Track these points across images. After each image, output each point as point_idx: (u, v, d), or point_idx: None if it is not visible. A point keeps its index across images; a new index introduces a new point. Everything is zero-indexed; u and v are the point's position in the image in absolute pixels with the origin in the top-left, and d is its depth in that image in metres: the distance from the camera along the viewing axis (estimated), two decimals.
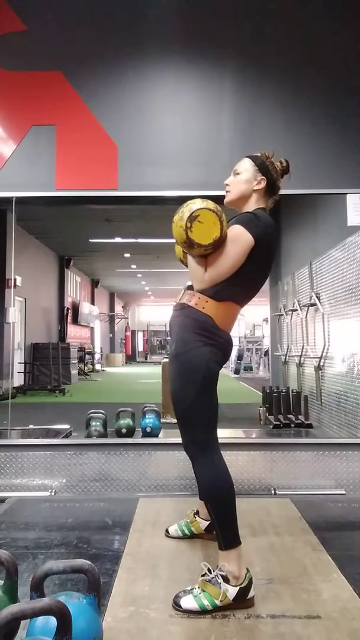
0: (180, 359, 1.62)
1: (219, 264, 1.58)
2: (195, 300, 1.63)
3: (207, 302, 1.61)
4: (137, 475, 2.78)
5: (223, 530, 1.56)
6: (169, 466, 2.77)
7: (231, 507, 1.57)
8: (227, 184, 1.77)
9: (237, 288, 1.63)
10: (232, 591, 1.50)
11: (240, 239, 1.57)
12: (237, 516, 1.58)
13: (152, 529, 2.14)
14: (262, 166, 1.72)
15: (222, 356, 1.65)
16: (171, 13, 3.00)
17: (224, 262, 1.58)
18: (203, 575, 1.54)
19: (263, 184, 1.72)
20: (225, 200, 1.78)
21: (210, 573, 1.53)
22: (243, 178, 1.73)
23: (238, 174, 1.75)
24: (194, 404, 1.59)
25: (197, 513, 2.06)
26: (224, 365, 1.73)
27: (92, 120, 2.96)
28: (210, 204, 1.55)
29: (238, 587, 1.50)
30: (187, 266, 1.72)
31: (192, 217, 1.52)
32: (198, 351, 1.59)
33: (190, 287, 1.70)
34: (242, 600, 1.51)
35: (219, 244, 1.56)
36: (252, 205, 1.73)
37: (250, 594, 1.53)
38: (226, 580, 1.51)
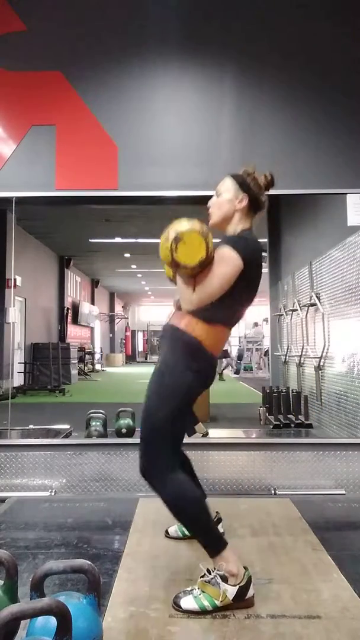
0: (163, 380, 1.61)
1: (207, 285, 1.57)
2: (185, 322, 1.61)
3: (197, 324, 1.60)
4: (137, 475, 2.74)
5: (204, 540, 1.57)
6: None
7: (201, 519, 1.57)
8: (209, 207, 1.76)
9: (226, 311, 1.63)
10: (231, 591, 1.50)
11: (229, 261, 1.57)
12: (211, 522, 1.58)
13: (152, 529, 2.14)
14: (243, 184, 1.71)
15: (203, 383, 1.65)
16: (171, 13, 3.00)
17: (212, 283, 1.57)
18: (202, 576, 1.54)
19: (245, 202, 1.70)
20: (210, 222, 1.76)
21: (210, 574, 1.53)
22: (225, 198, 1.72)
23: (220, 194, 1.74)
24: (164, 426, 1.58)
25: None
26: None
27: (92, 120, 2.96)
28: (196, 225, 1.53)
29: (237, 587, 1.50)
30: (176, 285, 1.71)
31: (177, 239, 1.51)
32: (182, 377, 1.58)
33: (178, 308, 1.69)
34: (242, 600, 1.51)
35: (206, 264, 1.55)
36: (236, 224, 1.71)
37: (250, 593, 1.53)
38: (225, 580, 1.51)
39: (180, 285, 1.63)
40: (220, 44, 2.99)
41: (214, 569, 1.53)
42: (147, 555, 1.90)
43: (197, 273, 1.57)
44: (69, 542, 2.05)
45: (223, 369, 11.12)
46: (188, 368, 1.59)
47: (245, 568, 1.54)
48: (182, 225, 1.54)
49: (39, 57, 2.98)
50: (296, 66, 2.97)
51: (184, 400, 1.60)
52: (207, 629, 1.43)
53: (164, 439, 1.60)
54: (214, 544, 1.55)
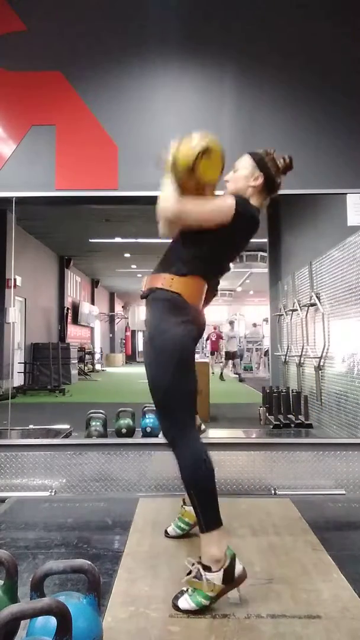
0: (155, 342, 1.62)
1: (196, 204, 1.61)
2: (161, 281, 1.65)
3: (172, 279, 1.63)
4: (137, 475, 2.78)
5: (204, 511, 1.55)
6: (169, 466, 2.76)
7: (212, 489, 1.57)
8: (227, 180, 1.78)
9: (201, 263, 1.66)
10: (217, 577, 1.48)
11: (225, 202, 1.62)
12: (217, 497, 1.58)
13: (152, 529, 2.14)
14: (261, 162, 1.73)
15: (196, 332, 1.67)
16: (171, 13, 3.00)
17: (201, 206, 1.61)
18: (188, 574, 1.53)
19: (260, 180, 1.72)
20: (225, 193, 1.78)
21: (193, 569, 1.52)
22: (241, 174, 1.74)
23: (236, 170, 1.76)
24: (172, 386, 1.59)
25: (184, 503, 2.05)
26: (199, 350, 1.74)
27: (92, 120, 2.95)
28: (222, 148, 1.63)
29: (222, 570, 1.49)
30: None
31: (208, 150, 1.56)
32: (172, 332, 1.60)
33: (152, 273, 1.72)
34: (232, 580, 1.50)
35: (205, 187, 1.62)
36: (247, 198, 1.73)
37: (238, 571, 1.51)
38: (207, 569, 1.49)
39: (172, 188, 1.63)
40: (220, 44, 2.99)
41: (196, 561, 1.52)
42: (147, 555, 1.90)
43: (193, 191, 1.62)
44: (69, 542, 2.05)
45: (223, 369, 11.11)
46: (174, 323, 1.60)
47: (226, 546, 1.52)
48: (213, 140, 1.60)
49: (39, 57, 2.98)
50: (296, 66, 2.97)
51: (182, 356, 1.61)
52: (207, 629, 1.43)
53: (176, 401, 1.61)
54: (213, 519, 1.55)
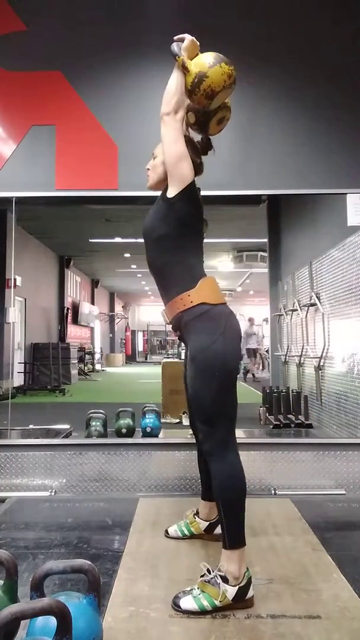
0: (197, 359, 1.61)
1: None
2: (180, 304, 1.64)
3: (189, 295, 1.63)
4: (137, 475, 2.78)
5: (231, 529, 1.56)
6: (169, 466, 2.77)
7: (242, 508, 1.58)
8: (147, 168, 1.81)
9: (193, 262, 1.69)
10: (231, 591, 1.50)
11: (188, 168, 1.67)
12: (245, 517, 1.58)
13: (152, 529, 2.14)
14: None
15: (236, 342, 1.65)
16: (171, 13, 3.00)
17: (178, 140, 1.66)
18: (202, 576, 1.54)
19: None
20: (147, 185, 1.83)
21: (210, 573, 1.53)
22: (159, 160, 1.77)
23: (155, 157, 1.79)
24: (215, 401, 1.59)
25: (196, 514, 2.06)
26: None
27: (92, 120, 2.95)
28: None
29: (237, 587, 1.50)
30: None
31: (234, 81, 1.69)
32: (213, 348, 1.58)
33: (165, 303, 1.73)
34: (242, 600, 1.51)
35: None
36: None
37: (250, 594, 1.52)
38: (225, 580, 1.50)
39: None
40: (220, 44, 2.97)
41: (216, 567, 1.53)
42: (147, 555, 1.90)
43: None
44: (69, 542, 2.05)
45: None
46: (214, 336, 1.59)
47: (246, 568, 1.54)
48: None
49: (39, 57, 2.98)
50: (296, 66, 2.96)
51: (226, 369, 1.60)
52: (207, 629, 1.43)
53: (218, 416, 1.60)
54: (238, 536, 1.55)
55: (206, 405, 1.60)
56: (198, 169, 1.78)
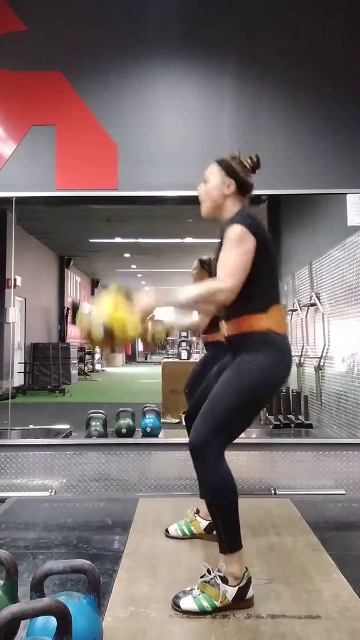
0: (242, 367, 1.59)
1: (232, 264, 1.55)
2: (250, 322, 1.60)
3: (261, 319, 1.59)
4: (137, 475, 2.78)
5: (227, 533, 1.55)
6: (169, 466, 2.77)
7: (235, 512, 1.57)
8: (199, 194, 1.76)
9: (266, 289, 1.63)
10: (231, 592, 1.50)
11: (242, 236, 1.56)
12: (239, 520, 1.57)
13: (152, 529, 2.14)
14: (229, 169, 1.71)
15: (284, 376, 1.63)
16: (171, 13, 3.00)
17: (235, 260, 1.55)
18: (202, 577, 1.54)
19: (233, 187, 1.70)
20: (202, 212, 1.77)
21: (210, 574, 1.53)
22: (212, 184, 1.72)
23: (207, 181, 1.74)
24: (234, 415, 1.56)
25: (197, 512, 2.06)
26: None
27: (92, 120, 2.95)
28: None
29: (237, 588, 1.50)
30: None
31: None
32: (265, 371, 1.57)
33: (228, 317, 1.68)
34: (241, 601, 1.51)
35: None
36: (229, 209, 1.71)
37: (249, 594, 1.52)
38: (225, 581, 1.50)
39: (198, 293, 1.59)
40: (220, 44, 2.99)
41: (217, 569, 1.53)
42: (147, 555, 1.90)
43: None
44: (69, 542, 2.05)
45: None
46: (270, 362, 1.57)
47: (245, 568, 1.54)
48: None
49: (39, 57, 2.98)
50: (296, 66, 2.97)
51: (265, 395, 1.60)
52: (207, 629, 1.43)
53: (230, 426, 1.58)
54: (234, 541, 1.54)
55: (226, 411, 1.56)
56: (251, 188, 1.76)
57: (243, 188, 1.73)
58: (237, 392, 1.56)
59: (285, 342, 1.65)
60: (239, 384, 1.57)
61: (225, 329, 1.72)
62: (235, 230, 1.57)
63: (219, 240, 1.66)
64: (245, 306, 1.59)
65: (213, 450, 1.56)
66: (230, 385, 1.59)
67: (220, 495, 1.56)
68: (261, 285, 1.60)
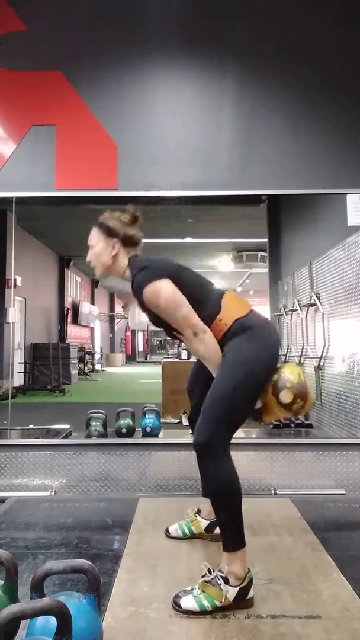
0: (229, 357, 1.61)
1: (180, 317, 1.61)
2: (216, 330, 1.63)
3: (220, 320, 1.63)
4: (137, 475, 2.78)
5: (231, 531, 1.56)
6: (169, 466, 2.77)
7: (239, 510, 1.57)
8: (89, 261, 1.81)
9: (204, 294, 1.67)
10: (232, 592, 1.50)
11: (162, 291, 1.61)
12: (242, 515, 1.58)
13: (152, 529, 2.14)
14: (108, 230, 1.76)
15: (272, 347, 1.65)
16: (171, 13, 3.00)
17: (179, 312, 1.61)
18: (203, 576, 1.54)
19: (117, 247, 1.75)
20: (97, 274, 1.83)
21: (210, 574, 1.53)
22: (98, 250, 1.77)
23: (93, 247, 1.79)
24: (232, 409, 1.58)
25: (198, 512, 2.06)
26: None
27: (92, 120, 2.95)
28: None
29: (238, 588, 1.50)
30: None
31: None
32: (256, 367, 1.59)
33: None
34: (242, 601, 1.51)
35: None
36: (122, 264, 1.76)
37: (250, 594, 1.53)
38: (226, 581, 1.50)
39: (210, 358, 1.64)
40: (220, 44, 2.99)
41: (217, 567, 1.53)
42: (147, 555, 1.90)
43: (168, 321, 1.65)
44: (69, 542, 2.05)
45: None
46: (253, 351, 1.59)
47: (247, 569, 1.54)
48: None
49: (39, 57, 2.98)
50: (296, 66, 2.97)
51: (255, 391, 1.60)
52: (207, 629, 1.43)
53: (229, 421, 1.59)
54: (237, 538, 1.55)
55: (223, 406, 1.58)
56: (139, 238, 1.81)
57: (128, 242, 1.78)
58: (232, 383, 1.58)
59: (256, 318, 1.66)
60: (232, 375, 1.58)
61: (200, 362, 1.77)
62: (151, 293, 1.62)
63: (137, 300, 1.71)
64: (205, 319, 1.63)
65: (217, 447, 1.57)
66: (224, 379, 1.60)
67: (226, 492, 1.57)
68: (199, 298, 1.64)
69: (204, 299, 1.66)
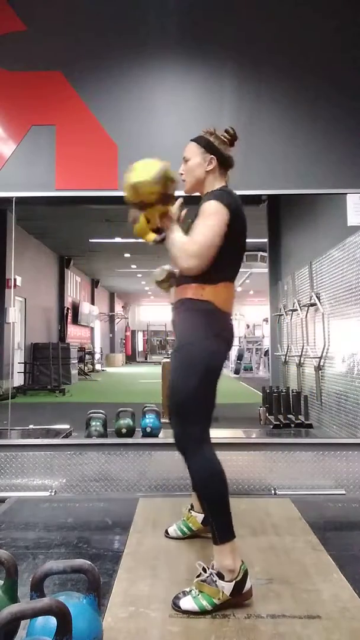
0: (183, 351, 1.62)
1: (201, 235, 1.58)
2: (192, 291, 1.63)
3: (204, 288, 1.61)
4: (137, 475, 2.78)
5: (218, 523, 1.56)
6: (169, 466, 2.77)
7: (225, 501, 1.57)
8: (181, 173, 1.77)
9: (225, 265, 1.64)
10: (228, 587, 1.49)
11: (216, 211, 1.59)
12: (230, 509, 1.58)
13: (152, 529, 2.14)
14: (208, 145, 1.72)
15: (225, 347, 1.65)
16: (171, 13, 3.00)
17: (205, 232, 1.58)
18: (198, 576, 1.54)
19: (214, 163, 1.72)
20: (185, 189, 1.79)
21: (205, 572, 1.53)
22: (193, 163, 1.74)
23: (187, 160, 1.75)
24: (193, 396, 1.59)
25: (192, 507, 2.05)
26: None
27: (92, 120, 2.95)
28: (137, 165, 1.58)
29: (234, 582, 1.50)
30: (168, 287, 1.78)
31: (130, 169, 1.56)
32: (202, 344, 1.59)
33: (179, 284, 1.70)
34: (239, 594, 1.51)
35: (168, 188, 1.56)
36: (210, 184, 1.73)
37: (247, 586, 1.52)
38: (221, 576, 1.50)
39: (177, 245, 1.61)
40: (220, 44, 2.99)
41: (210, 566, 1.53)
42: (147, 555, 1.90)
43: (165, 201, 1.58)
44: (69, 542, 2.05)
45: None
46: (206, 336, 1.59)
47: (241, 562, 1.54)
48: (143, 163, 1.58)
49: (39, 57, 2.98)
50: (296, 66, 2.97)
51: (209, 371, 1.60)
52: (207, 629, 1.43)
53: (194, 410, 1.60)
54: (226, 530, 1.55)
55: (183, 398, 1.60)
56: (232, 162, 1.76)
57: (225, 163, 1.74)
58: (187, 376, 1.58)
59: (224, 319, 1.64)
60: (186, 367, 1.59)
61: (173, 295, 1.74)
62: (210, 205, 1.60)
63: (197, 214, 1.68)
64: (197, 275, 1.61)
65: (193, 440, 1.60)
66: (179, 374, 1.61)
67: (209, 483, 1.59)
68: (220, 260, 1.61)
69: (218, 264, 1.61)
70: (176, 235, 1.63)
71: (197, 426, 1.61)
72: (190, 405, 1.60)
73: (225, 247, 1.60)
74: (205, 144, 1.72)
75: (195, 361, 1.58)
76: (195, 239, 1.58)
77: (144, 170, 1.56)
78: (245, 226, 1.69)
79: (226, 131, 1.75)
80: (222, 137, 1.74)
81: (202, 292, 1.61)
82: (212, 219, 1.58)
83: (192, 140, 1.76)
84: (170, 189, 1.58)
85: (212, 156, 1.71)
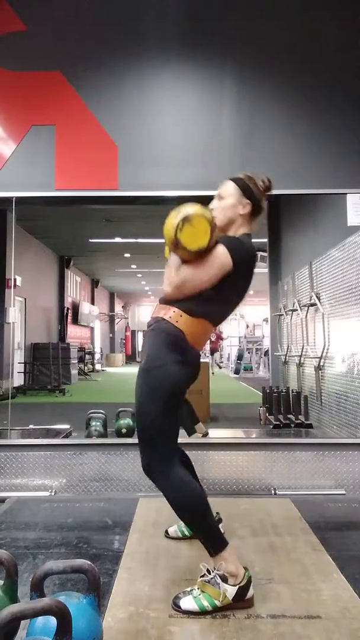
0: (150, 374, 1.61)
1: (193, 274, 1.58)
2: (170, 313, 1.62)
3: (181, 316, 1.60)
4: (137, 475, 2.77)
5: (206, 536, 1.57)
6: None
7: (206, 516, 1.56)
8: (212, 209, 1.73)
9: (212, 307, 1.64)
10: (231, 591, 1.50)
11: (220, 258, 1.58)
12: (213, 519, 1.58)
13: (152, 529, 2.14)
14: (247, 190, 1.71)
15: (190, 375, 1.65)
16: (171, 13, 3.00)
17: (198, 272, 1.58)
18: (202, 576, 1.54)
19: (249, 208, 1.71)
20: (216, 223, 1.77)
21: (209, 574, 1.53)
22: (229, 203, 1.72)
23: (222, 198, 1.73)
24: (156, 420, 1.58)
25: None
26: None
27: (92, 120, 2.95)
28: (207, 213, 1.57)
29: (237, 587, 1.50)
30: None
31: (186, 219, 1.53)
32: (168, 369, 1.58)
33: (162, 302, 1.70)
34: (242, 600, 1.51)
35: (204, 253, 1.57)
36: (237, 228, 1.72)
37: (250, 593, 1.53)
38: (225, 580, 1.51)
39: (170, 265, 1.62)
40: (220, 44, 2.99)
41: (214, 568, 1.53)
42: (147, 555, 1.90)
43: (192, 259, 1.59)
44: (69, 542, 2.05)
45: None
46: (173, 360, 1.59)
47: (245, 569, 1.54)
48: (194, 208, 1.56)
49: (39, 57, 2.98)
50: (296, 66, 2.97)
51: (173, 394, 1.59)
52: (207, 629, 1.43)
53: (159, 434, 1.60)
54: (215, 542, 1.55)
55: (149, 421, 1.59)
56: (263, 211, 1.77)
57: (257, 211, 1.74)
58: (154, 400, 1.58)
59: (191, 352, 1.62)
60: (154, 391, 1.59)
61: (153, 310, 1.74)
62: (220, 251, 1.59)
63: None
64: (181, 301, 1.61)
65: (163, 462, 1.59)
66: (145, 398, 1.61)
67: (183, 502, 1.58)
68: (207, 300, 1.61)
69: (205, 302, 1.62)
70: (175, 259, 1.63)
71: (164, 448, 1.60)
72: (158, 429, 1.59)
73: (216, 292, 1.60)
74: (244, 187, 1.71)
75: (163, 386, 1.58)
76: (183, 274, 1.59)
77: (172, 218, 1.58)
78: (249, 282, 1.70)
79: (262, 180, 1.74)
80: (259, 185, 1.73)
81: (177, 319, 1.60)
82: (212, 264, 1.58)
83: (231, 179, 1.74)
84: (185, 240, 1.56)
85: (249, 201, 1.70)
